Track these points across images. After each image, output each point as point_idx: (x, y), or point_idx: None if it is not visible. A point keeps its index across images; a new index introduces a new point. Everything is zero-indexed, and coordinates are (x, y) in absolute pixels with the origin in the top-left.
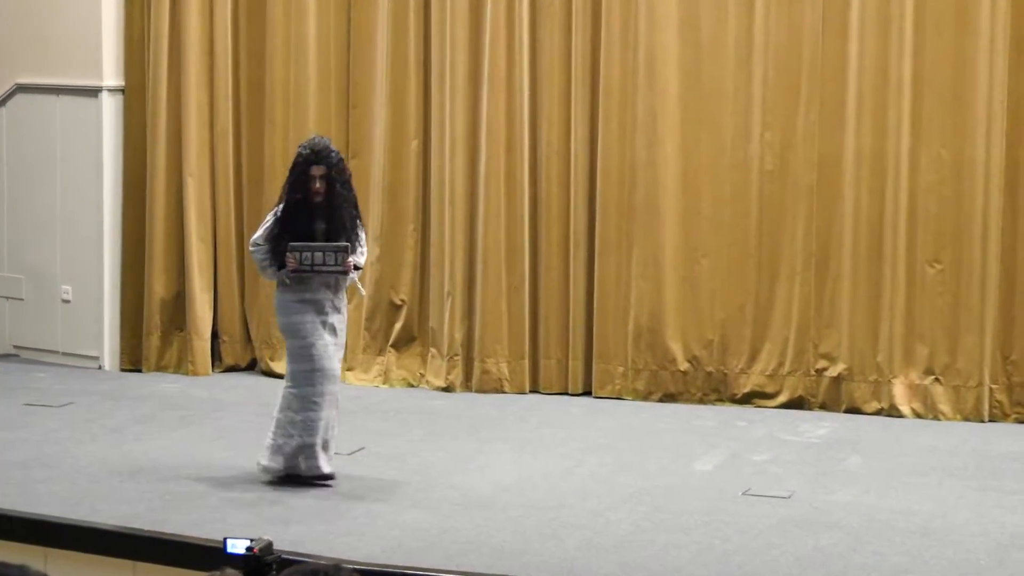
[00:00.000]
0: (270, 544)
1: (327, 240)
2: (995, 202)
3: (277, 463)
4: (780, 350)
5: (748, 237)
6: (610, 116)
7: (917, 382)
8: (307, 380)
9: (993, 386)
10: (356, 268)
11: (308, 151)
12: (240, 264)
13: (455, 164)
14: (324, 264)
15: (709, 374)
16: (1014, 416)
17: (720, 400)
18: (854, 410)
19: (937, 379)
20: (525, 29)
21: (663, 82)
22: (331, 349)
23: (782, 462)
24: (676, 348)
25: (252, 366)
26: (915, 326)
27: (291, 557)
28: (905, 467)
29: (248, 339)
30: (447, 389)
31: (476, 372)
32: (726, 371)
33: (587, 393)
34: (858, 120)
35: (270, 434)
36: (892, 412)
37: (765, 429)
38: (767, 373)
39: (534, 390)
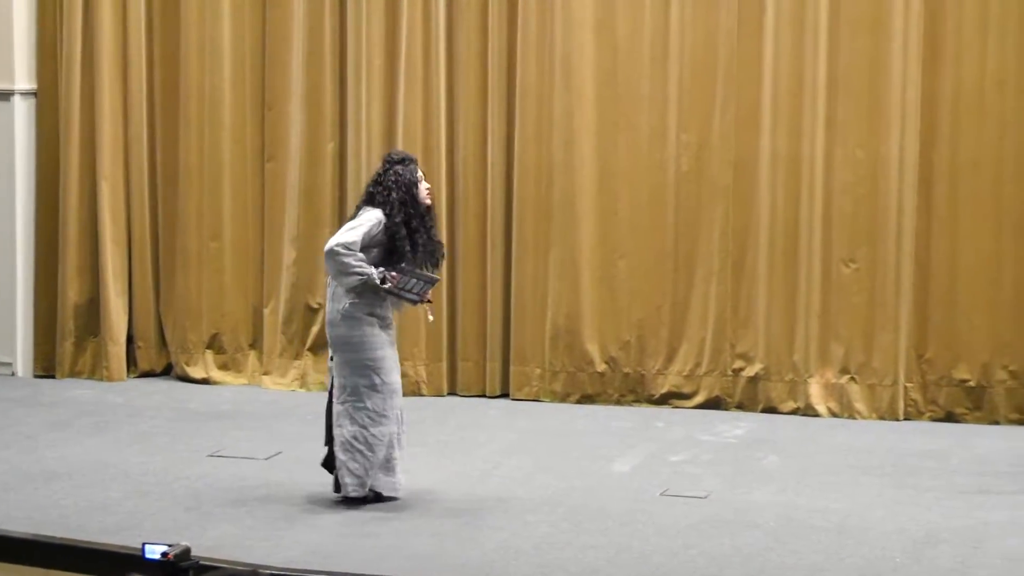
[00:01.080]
0: (187, 550)
1: (427, 254)
2: (909, 201)
3: (361, 480)
4: (697, 350)
5: (665, 238)
6: (527, 117)
7: (833, 381)
8: (378, 393)
9: (908, 384)
10: (428, 301)
11: (408, 156)
12: (155, 268)
13: (372, 166)
14: (410, 291)
15: (626, 375)
16: (929, 414)
17: (637, 401)
18: (771, 410)
19: (853, 378)
20: (441, 30)
21: (579, 83)
22: (394, 363)
23: (699, 462)
24: (593, 349)
25: (167, 371)
26: (831, 325)
27: (208, 563)
28: (821, 466)
29: (163, 344)
30: None
31: None
32: (643, 372)
33: (505, 395)
34: (774, 121)
35: (347, 460)
36: (808, 411)
37: (683, 429)
38: (684, 374)
39: (452, 392)
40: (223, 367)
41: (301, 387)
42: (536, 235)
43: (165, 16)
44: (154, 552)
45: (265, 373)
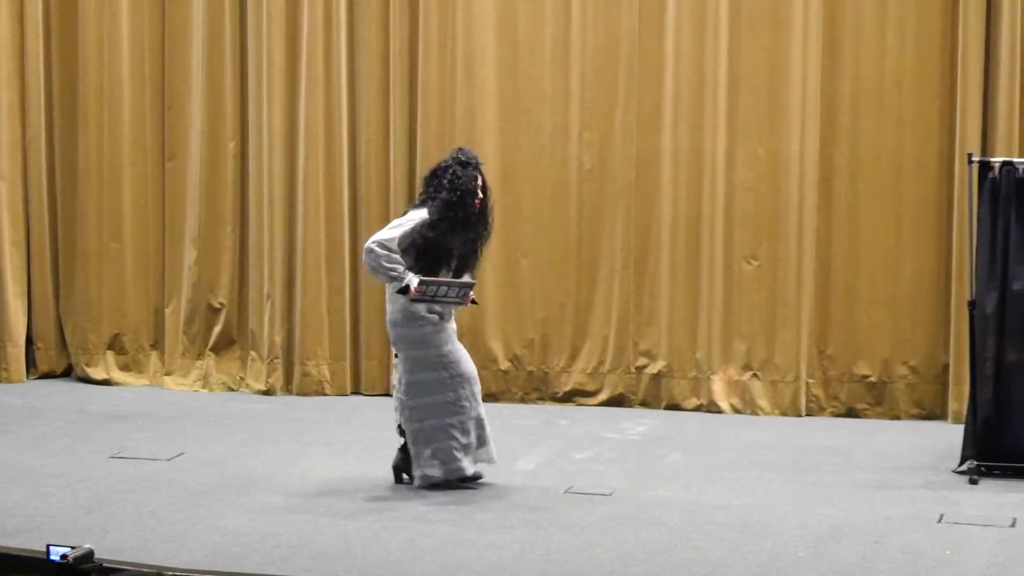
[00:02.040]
0: (90, 552)
1: (470, 251)
2: (810, 199)
3: (437, 471)
4: (600, 348)
5: (568, 236)
6: (429, 116)
7: (735, 378)
8: (448, 386)
9: (810, 380)
10: (473, 302)
11: (474, 160)
12: (55, 269)
13: (273, 165)
14: (446, 296)
15: (530, 373)
16: (830, 410)
17: (542, 399)
18: (674, 407)
19: (755, 374)
20: (343, 28)
21: (481, 82)
22: (462, 353)
23: (603, 460)
24: (497, 347)
25: (68, 372)
26: (733, 322)
27: (111, 565)
28: (724, 462)
29: (63, 345)
30: (268, 392)
31: (297, 374)
32: (547, 370)
33: None
34: (675, 119)
35: (415, 447)
36: (711, 408)
37: (586, 427)
38: (588, 371)
39: (356, 392)
40: (124, 368)
41: (203, 387)
42: None
43: (63, 14)
44: (57, 554)
45: (167, 374)
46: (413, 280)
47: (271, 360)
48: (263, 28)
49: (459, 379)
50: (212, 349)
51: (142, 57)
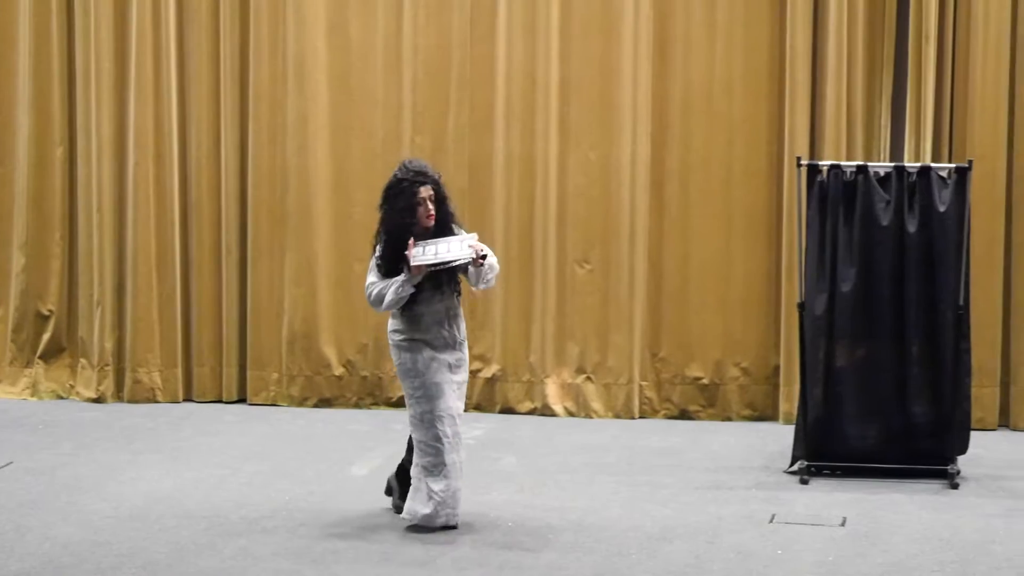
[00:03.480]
0: None
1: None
2: (642, 203)
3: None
4: None
5: None
6: (260, 121)
7: (569, 381)
8: (423, 422)
9: (643, 383)
10: (483, 258)
11: (411, 173)
12: None
13: (102, 171)
14: (449, 254)
15: (364, 378)
16: (663, 412)
17: (376, 404)
18: (508, 410)
19: (589, 377)
20: (172, 32)
21: (313, 87)
22: (445, 387)
23: None
24: (331, 353)
25: None
26: (566, 326)
27: None
28: (559, 465)
29: None
30: (98, 400)
31: (128, 382)
32: (381, 375)
33: (242, 400)
34: (507, 124)
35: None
36: (545, 411)
37: None
38: None
39: (188, 399)
40: None
41: (32, 395)
42: (271, 240)
43: None
44: None
45: None
46: (407, 270)
47: (101, 367)
48: (91, 32)
49: (422, 418)
50: (41, 357)
51: None
